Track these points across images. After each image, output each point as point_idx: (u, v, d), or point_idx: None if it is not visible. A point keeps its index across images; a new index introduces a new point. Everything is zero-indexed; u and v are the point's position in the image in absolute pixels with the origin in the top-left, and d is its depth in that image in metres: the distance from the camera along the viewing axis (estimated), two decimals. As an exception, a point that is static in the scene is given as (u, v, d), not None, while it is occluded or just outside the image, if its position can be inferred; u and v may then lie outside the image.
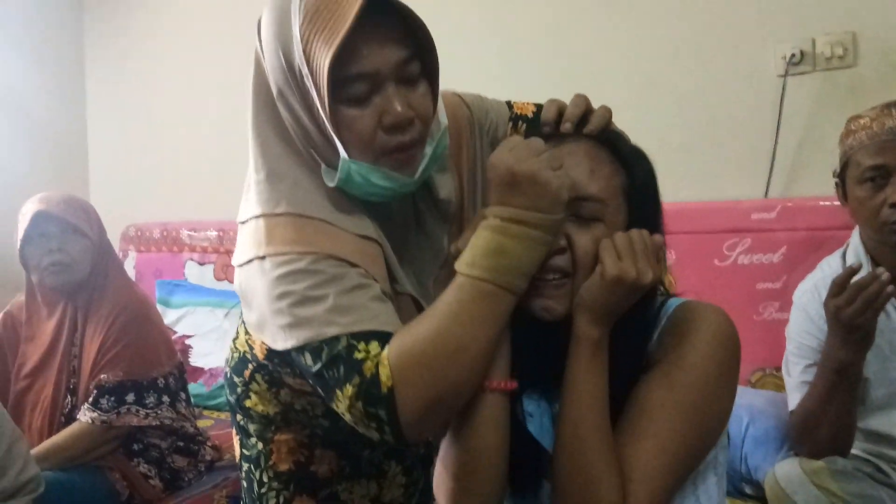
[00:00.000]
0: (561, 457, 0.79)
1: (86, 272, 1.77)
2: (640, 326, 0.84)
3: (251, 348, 1.00)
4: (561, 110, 0.88)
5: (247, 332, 1.00)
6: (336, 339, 0.80)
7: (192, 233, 2.82)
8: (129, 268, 2.94)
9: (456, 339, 0.77)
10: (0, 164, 2.80)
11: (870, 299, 1.15)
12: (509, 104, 1.10)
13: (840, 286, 1.19)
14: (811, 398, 1.32)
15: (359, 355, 0.79)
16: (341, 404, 0.80)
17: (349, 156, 0.83)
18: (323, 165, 0.88)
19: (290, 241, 0.84)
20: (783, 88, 1.91)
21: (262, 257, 0.85)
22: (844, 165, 1.39)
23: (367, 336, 0.80)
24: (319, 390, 0.85)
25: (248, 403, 1.05)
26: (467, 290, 0.78)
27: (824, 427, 1.30)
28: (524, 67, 2.25)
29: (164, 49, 2.97)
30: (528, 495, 0.88)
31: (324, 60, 0.78)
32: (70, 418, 1.73)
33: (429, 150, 0.88)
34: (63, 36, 3.08)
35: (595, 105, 0.88)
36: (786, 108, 1.91)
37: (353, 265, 0.84)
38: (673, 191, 2.04)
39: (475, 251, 0.78)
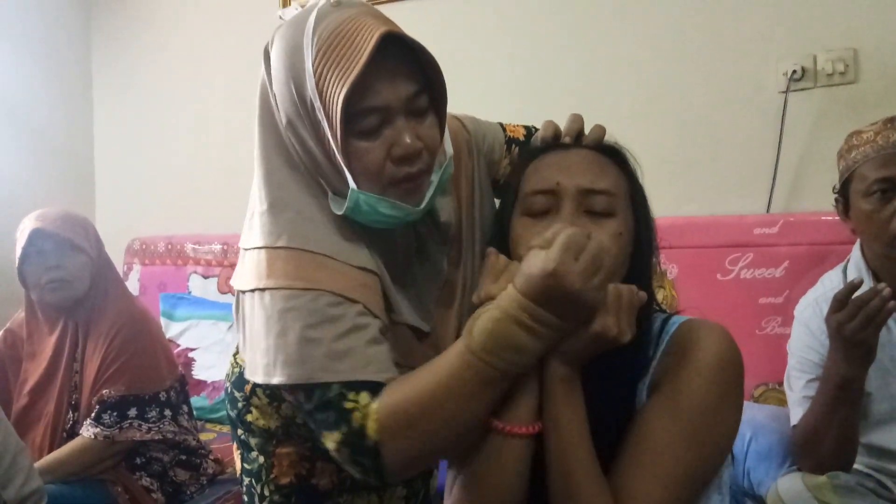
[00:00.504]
0: (553, 492, 0.80)
1: (85, 288, 1.76)
2: (638, 348, 0.84)
3: None
4: (557, 131, 0.93)
5: None
6: (328, 385, 0.81)
7: (196, 246, 2.83)
8: (134, 281, 2.95)
9: (449, 411, 0.78)
10: (7, 177, 2.81)
11: (871, 315, 1.15)
12: (502, 126, 1.12)
13: (842, 301, 1.19)
14: (813, 413, 1.32)
15: (349, 405, 0.80)
16: (329, 444, 0.82)
17: (358, 186, 0.84)
18: (330, 194, 0.89)
19: (291, 276, 0.85)
20: (784, 104, 1.92)
21: (263, 290, 0.86)
22: (847, 180, 1.39)
23: (358, 386, 0.80)
24: (310, 425, 0.87)
25: (249, 418, 1.05)
26: (472, 370, 0.77)
27: (827, 442, 1.29)
28: (529, 84, 2.27)
29: (171, 64, 2.99)
30: None
31: (338, 96, 0.79)
32: (72, 434, 1.73)
33: (434, 178, 0.89)
34: (71, 50, 3.10)
35: (593, 123, 0.94)
36: (787, 123, 1.92)
37: (353, 301, 0.84)
38: (675, 205, 2.06)
39: (494, 338, 0.76)
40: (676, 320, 0.87)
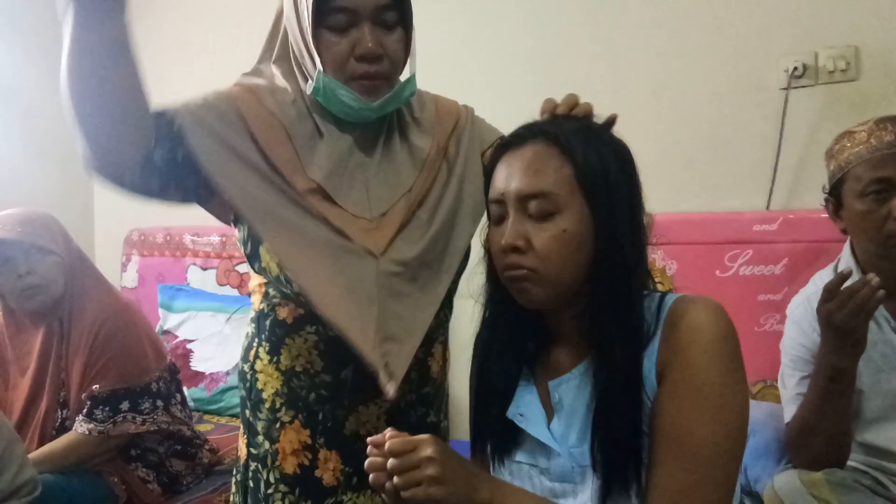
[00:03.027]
0: None
1: (61, 288, 1.73)
2: (636, 328, 0.85)
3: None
4: (552, 107, 0.99)
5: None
6: None
7: (195, 238, 2.83)
8: (132, 272, 2.95)
9: None
10: (4, 166, 2.80)
11: (861, 303, 1.16)
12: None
13: (831, 291, 1.19)
14: (806, 408, 1.32)
15: None
16: None
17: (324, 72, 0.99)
18: (309, 79, 1.03)
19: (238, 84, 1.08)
20: (785, 101, 1.91)
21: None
22: (840, 180, 1.39)
23: None
24: None
25: (259, 385, 1.11)
26: None
27: (819, 437, 1.30)
28: (529, 76, 2.26)
29: (168, 53, 2.98)
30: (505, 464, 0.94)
31: None
32: (62, 431, 1.71)
33: (394, 87, 1.03)
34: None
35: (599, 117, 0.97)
36: (788, 120, 1.91)
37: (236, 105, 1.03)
38: (675, 202, 2.05)
39: None
40: (670, 297, 0.88)
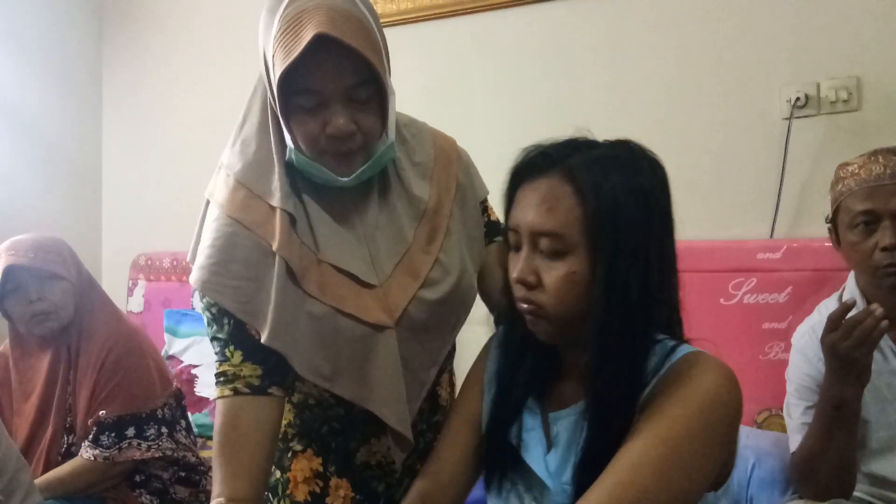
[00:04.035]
0: None
1: (71, 313, 1.74)
2: (634, 375, 0.83)
3: None
4: None
5: None
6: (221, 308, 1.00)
7: (201, 263, 2.84)
8: (139, 296, 2.96)
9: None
10: (15, 189, 2.82)
11: (865, 334, 1.16)
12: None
13: (836, 321, 1.20)
14: (811, 437, 1.32)
15: (228, 353, 1.01)
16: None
17: (297, 146, 0.97)
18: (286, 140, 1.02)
19: (220, 198, 1.03)
20: (788, 131, 1.93)
21: (208, 202, 1.06)
22: (836, 211, 1.41)
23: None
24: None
25: None
26: None
27: (825, 467, 1.29)
28: (531, 105, 2.29)
29: (180, 78, 3.02)
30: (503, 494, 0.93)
31: (277, 73, 0.92)
32: (67, 457, 1.71)
33: (371, 156, 0.99)
34: (82, 65, 3.12)
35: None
36: (791, 150, 1.93)
37: (246, 227, 0.99)
38: (679, 229, 2.03)
39: None
40: (683, 349, 0.85)
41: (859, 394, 1.24)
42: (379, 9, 2.39)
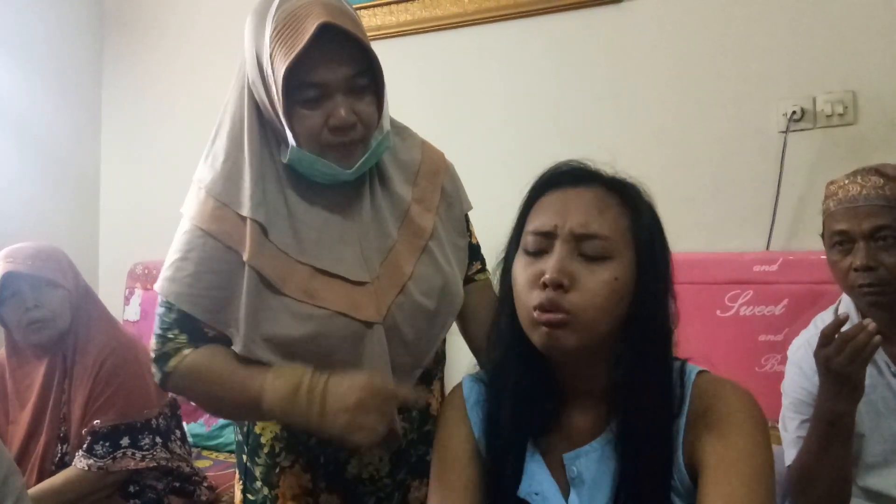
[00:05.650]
0: None
1: (67, 322, 1.73)
2: (667, 396, 0.83)
3: None
4: None
5: None
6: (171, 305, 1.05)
7: (198, 272, 2.83)
8: (135, 305, 2.95)
9: (221, 401, 1.02)
10: (14, 195, 2.81)
11: (858, 349, 1.16)
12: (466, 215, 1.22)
13: (829, 336, 1.20)
14: (806, 451, 1.32)
15: (171, 336, 1.04)
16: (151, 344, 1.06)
17: (300, 144, 0.99)
18: (282, 145, 1.03)
19: (192, 210, 1.06)
20: (784, 144, 1.94)
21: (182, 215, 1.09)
22: (823, 229, 1.43)
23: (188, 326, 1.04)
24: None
25: (256, 430, 1.10)
26: (256, 399, 0.96)
27: (820, 480, 1.29)
28: (531, 117, 2.30)
29: (178, 89, 3.03)
30: None
31: (280, 71, 0.94)
32: (61, 466, 1.70)
33: (372, 143, 1.02)
34: (82, 71, 3.12)
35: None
36: (787, 163, 1.94)
37: (214, 238, 1.02)
38: (676, 242, 2.02)
39: (282, 403, 0.95)
40: (690, 371, 0.85)
41: (853, 409, 1.24)
42: (378, 21, 2.40)
